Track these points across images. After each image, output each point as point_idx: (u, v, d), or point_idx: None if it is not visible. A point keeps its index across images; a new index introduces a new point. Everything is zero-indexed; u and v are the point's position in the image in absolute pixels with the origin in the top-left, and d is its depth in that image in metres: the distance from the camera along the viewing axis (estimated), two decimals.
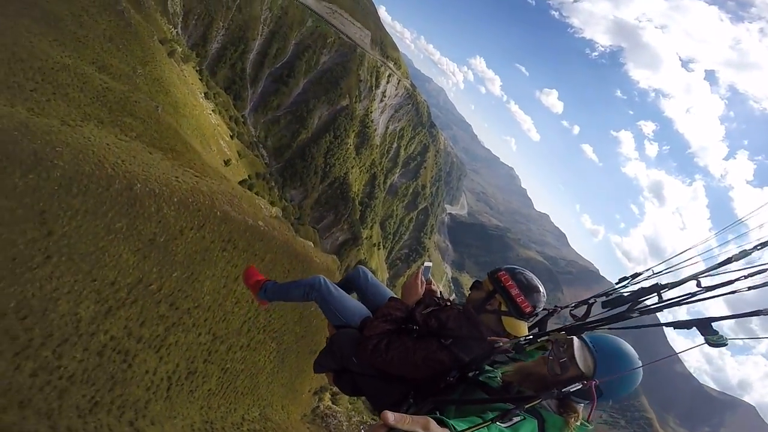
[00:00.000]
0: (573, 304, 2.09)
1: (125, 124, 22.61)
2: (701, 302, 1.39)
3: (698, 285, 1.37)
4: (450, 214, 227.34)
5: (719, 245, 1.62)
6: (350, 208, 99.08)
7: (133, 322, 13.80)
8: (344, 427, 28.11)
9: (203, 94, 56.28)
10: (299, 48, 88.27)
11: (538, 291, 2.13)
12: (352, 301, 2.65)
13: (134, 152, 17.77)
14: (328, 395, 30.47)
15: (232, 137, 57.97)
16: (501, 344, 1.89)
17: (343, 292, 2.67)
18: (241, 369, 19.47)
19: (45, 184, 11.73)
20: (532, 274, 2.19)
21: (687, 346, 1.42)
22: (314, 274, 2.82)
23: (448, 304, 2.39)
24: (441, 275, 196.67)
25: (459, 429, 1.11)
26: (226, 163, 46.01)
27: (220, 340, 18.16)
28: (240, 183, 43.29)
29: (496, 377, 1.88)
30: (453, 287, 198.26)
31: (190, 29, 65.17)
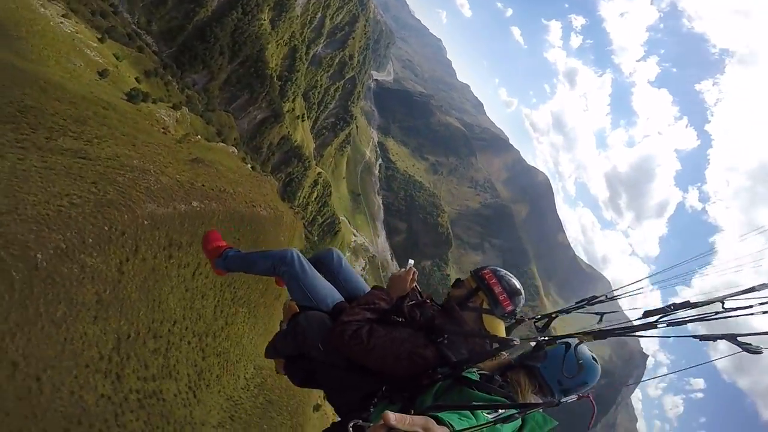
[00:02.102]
0: (538, 316, 2.30)
1: None
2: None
3: (722, 306, 1.55)
4: (376, 80, 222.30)
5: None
6: (268, 85, 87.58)
7: (140, 370, 14.78)
8: None
9: None
10: None
11: (520, 294, 2.23)
12: (325, 282, 2.51)
13: None
14: None
15: (101, 40, 42.63)
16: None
17: (316, 271, 2.53)
18: (228, 345, 21.94)
19: None
20: (513, 277, 2.28)
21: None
22: (285, 247, 2.70)
23: (428, 301, 2.39)
24: (368, 140, 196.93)
25: (458, 429, 1.16)
26: (102, 74, 35.33)
27: (204, 334, 19.65)
28: (129, 98, 34.91)
29: (474, 371, 1.96)
30: (379, 151, 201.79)
31: None
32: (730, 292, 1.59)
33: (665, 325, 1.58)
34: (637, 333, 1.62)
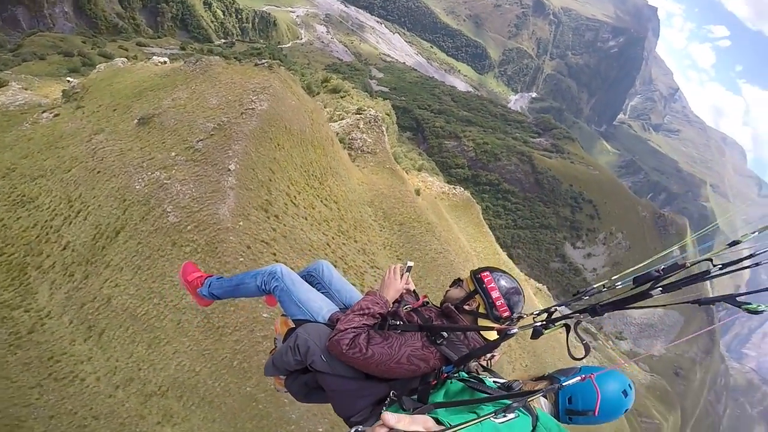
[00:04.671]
0: (536, 312, 2.04)
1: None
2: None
3: (712, 264, 1.49)
4: None
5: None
6: None
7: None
8: None
9: None
10: None
11: (519, 294, 2.14)
12: (317, 293, 2.51)
13: None
14: None
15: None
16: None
17: (307, 283, 2.54)
18: None
19: None
20: (513, 278, 2.20)
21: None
22: (272, 263, 2.64)
23: (426, 302, 2.38)
24: None
25: (454, 424, 1.15)
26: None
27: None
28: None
29: (489, 378, 1.92)
30: None
31: None
32: (719, 248, 1.60)
33: (660, 291, 1.52)
34: (635, 304, 1.56)
